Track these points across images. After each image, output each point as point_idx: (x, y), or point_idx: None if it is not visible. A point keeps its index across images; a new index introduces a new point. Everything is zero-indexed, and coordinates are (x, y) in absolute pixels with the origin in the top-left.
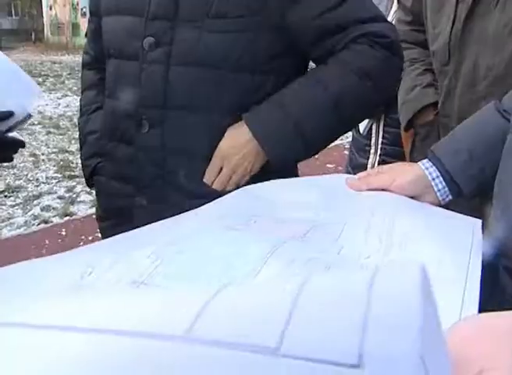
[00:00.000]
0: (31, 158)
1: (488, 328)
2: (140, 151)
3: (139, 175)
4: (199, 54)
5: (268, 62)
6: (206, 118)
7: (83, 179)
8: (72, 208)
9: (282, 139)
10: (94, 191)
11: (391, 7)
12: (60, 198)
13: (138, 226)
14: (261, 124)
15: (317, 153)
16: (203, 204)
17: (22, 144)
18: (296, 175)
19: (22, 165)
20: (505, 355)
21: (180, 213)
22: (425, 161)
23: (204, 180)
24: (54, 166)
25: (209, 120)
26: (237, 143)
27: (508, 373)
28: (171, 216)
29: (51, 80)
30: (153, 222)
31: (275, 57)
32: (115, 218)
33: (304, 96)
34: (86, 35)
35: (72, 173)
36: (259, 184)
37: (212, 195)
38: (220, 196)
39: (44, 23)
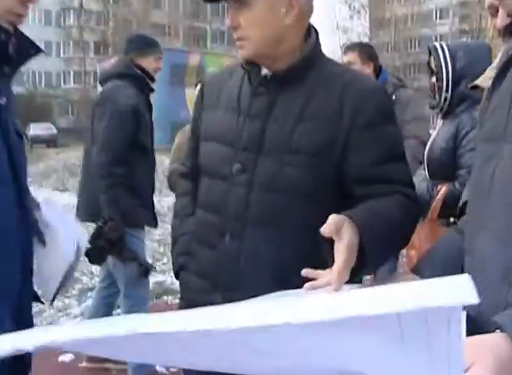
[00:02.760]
0: None
1: (476, 340)
2: (220, 256)
3: (216, 275)
4: (277, 182)
5: (330, 191)
6: (278, 234)
7: None
8: None
9: (378, 239)
10: None
11: None
12: None
13: None
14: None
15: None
16: None
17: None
18: None
19: None
20: (486, 357)
21: None
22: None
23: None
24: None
25: (280, 236)
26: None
27: (487, 368)
28: None
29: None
30: None
31: (333, 188)
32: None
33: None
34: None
35: None
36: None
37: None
38: None
39: None
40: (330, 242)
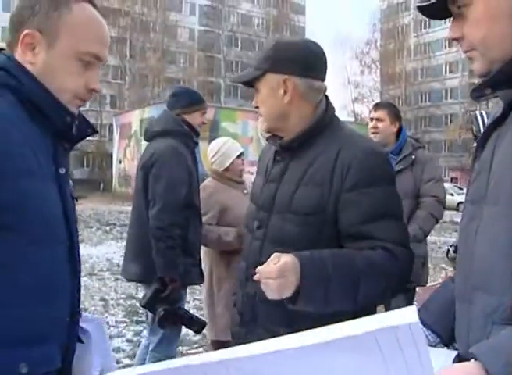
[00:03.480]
0: (101, 303)
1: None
2: (244, 296)
3: (242, 312)
4: (282, 237)
5: (331, 246)
6: None
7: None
8: None
9: (313, 276)
10: None
11: None
12: (128, 341)
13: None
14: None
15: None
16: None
17: None
18: None
19: (93, 308)
20: None
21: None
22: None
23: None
24: (122, 310)
25: None
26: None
27: None
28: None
29: (117, 228)
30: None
31: (333, 243)
32: (232, 338)
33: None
34: None
35: (140, 319)
36: None
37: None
38: None
39: (113, 174)
40: None
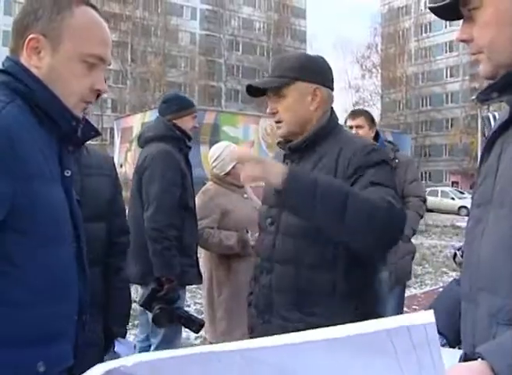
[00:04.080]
0: None
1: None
2: (259, 288)
3: (257, 303)
4: (292, 229)
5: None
6: (297, 269)
7: None
8: None
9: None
10: None
11: None
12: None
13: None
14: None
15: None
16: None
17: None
18: None
19: None
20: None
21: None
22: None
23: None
24: None
25: (298, 270)
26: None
27: None
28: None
29: None
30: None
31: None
32: (250, 333)
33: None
34: None
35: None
36: None
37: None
38: None
39: None
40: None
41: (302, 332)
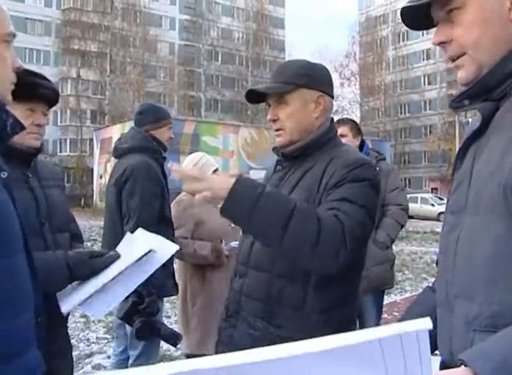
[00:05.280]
0: (82, 319)
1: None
2: (231, 292)
3: (228, 307)
4: None
5: None
6: (267, 276)
7: None
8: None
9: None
10: None
11: None
12: (109, 357)
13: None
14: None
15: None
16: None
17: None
18: None
19: (73, 325)
20: None
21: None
22: None
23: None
24: (103, 327)
25: (270, 277)
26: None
27: None
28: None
29: (99, 244)
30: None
31: None
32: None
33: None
34: None
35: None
36: None
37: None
38: None
39: (94, 190)
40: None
41: (291, 344)
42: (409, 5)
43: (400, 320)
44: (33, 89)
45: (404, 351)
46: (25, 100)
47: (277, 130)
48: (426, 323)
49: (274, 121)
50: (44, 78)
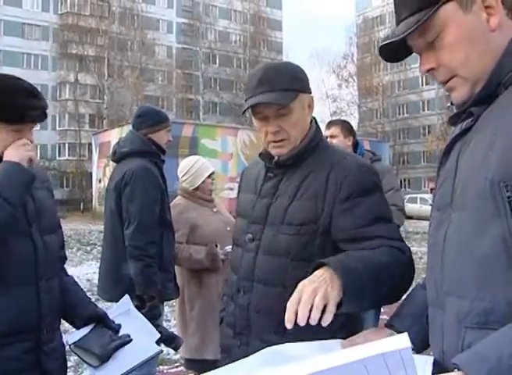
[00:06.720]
0: None
1: None
2: (236, 308)
3: (234, 323)
4: (274, 248)
5: (321, 255)
6: (277, 290)
7: None
8: None
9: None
10: None
11: None
12: None
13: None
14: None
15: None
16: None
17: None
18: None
19: (73, 330)
20: None
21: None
22: None
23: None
24: None
25: (279, 291)
26: (315, 277)
27: None
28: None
29: (98, 248)
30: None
31: (323, 253)
32: (223, 352)
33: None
34: None
35: None
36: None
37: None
38: None
39: (93, 194)
40: None
41: (272, 369)
42: (387, 42)
43: (389, 321)
44: (22, 114)
45: (390, 369)
46: (13, 123)
47: (280, 140)
48: (405, 341)
49: (276, 133)
50: (36, 95)
